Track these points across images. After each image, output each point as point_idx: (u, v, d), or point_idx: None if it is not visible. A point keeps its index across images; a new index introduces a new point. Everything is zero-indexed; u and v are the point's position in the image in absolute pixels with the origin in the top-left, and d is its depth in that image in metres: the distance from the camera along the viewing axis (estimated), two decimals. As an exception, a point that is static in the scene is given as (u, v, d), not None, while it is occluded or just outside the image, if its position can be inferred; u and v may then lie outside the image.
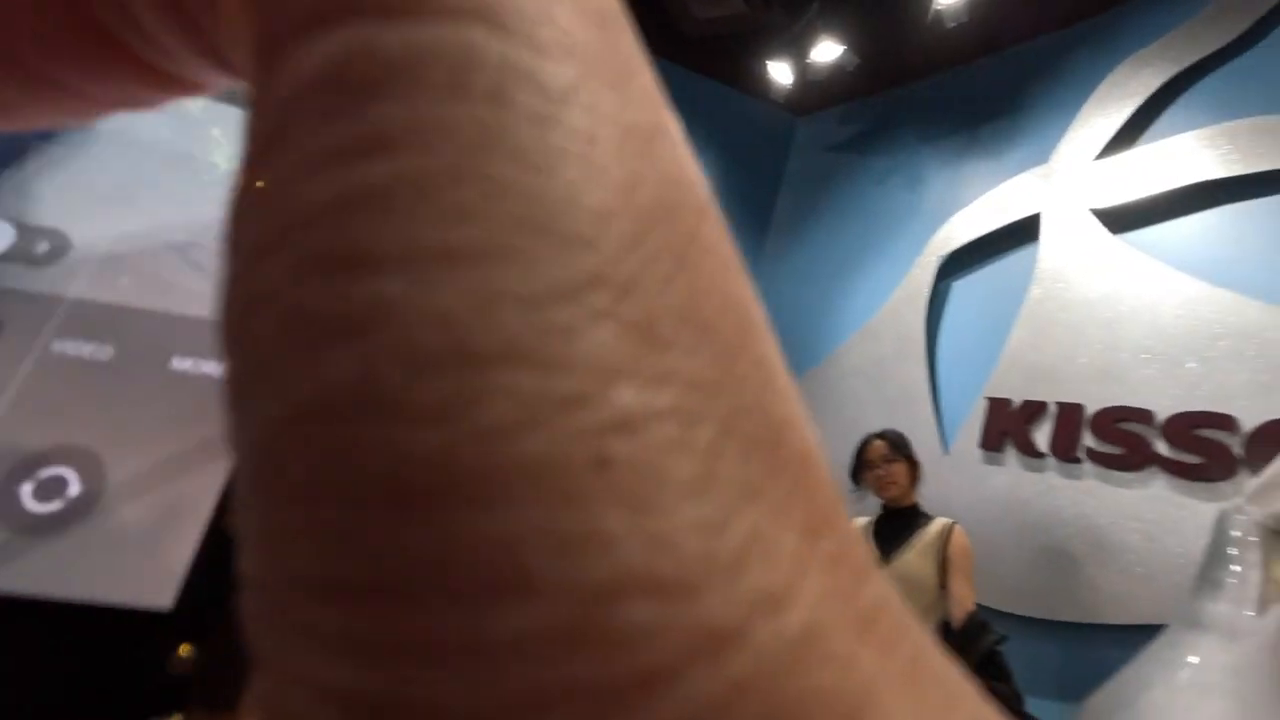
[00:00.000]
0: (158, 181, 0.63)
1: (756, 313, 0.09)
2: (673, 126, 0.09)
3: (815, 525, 0.08)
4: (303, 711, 0.07)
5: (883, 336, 2.77)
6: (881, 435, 1.82)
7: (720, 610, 0.06)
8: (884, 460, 1.77)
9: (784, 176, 3.62)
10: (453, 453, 0.06)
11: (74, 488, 0.80)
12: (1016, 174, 2.57)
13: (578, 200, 0.07)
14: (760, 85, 3.28)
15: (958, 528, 1.68)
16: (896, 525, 1.74)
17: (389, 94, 0.07)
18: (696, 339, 0.07)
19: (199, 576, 0.52)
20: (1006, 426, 2.25)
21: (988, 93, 2.83)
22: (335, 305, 0.07)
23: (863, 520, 1.82)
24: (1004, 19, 2.68)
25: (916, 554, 1.67)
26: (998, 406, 2.30)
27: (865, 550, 0.08)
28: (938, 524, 1.70)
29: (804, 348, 3.07)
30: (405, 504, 0.06)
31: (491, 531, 0.06)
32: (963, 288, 2.67)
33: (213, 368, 0.58)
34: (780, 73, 3.14)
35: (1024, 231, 2.48)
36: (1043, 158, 2.51)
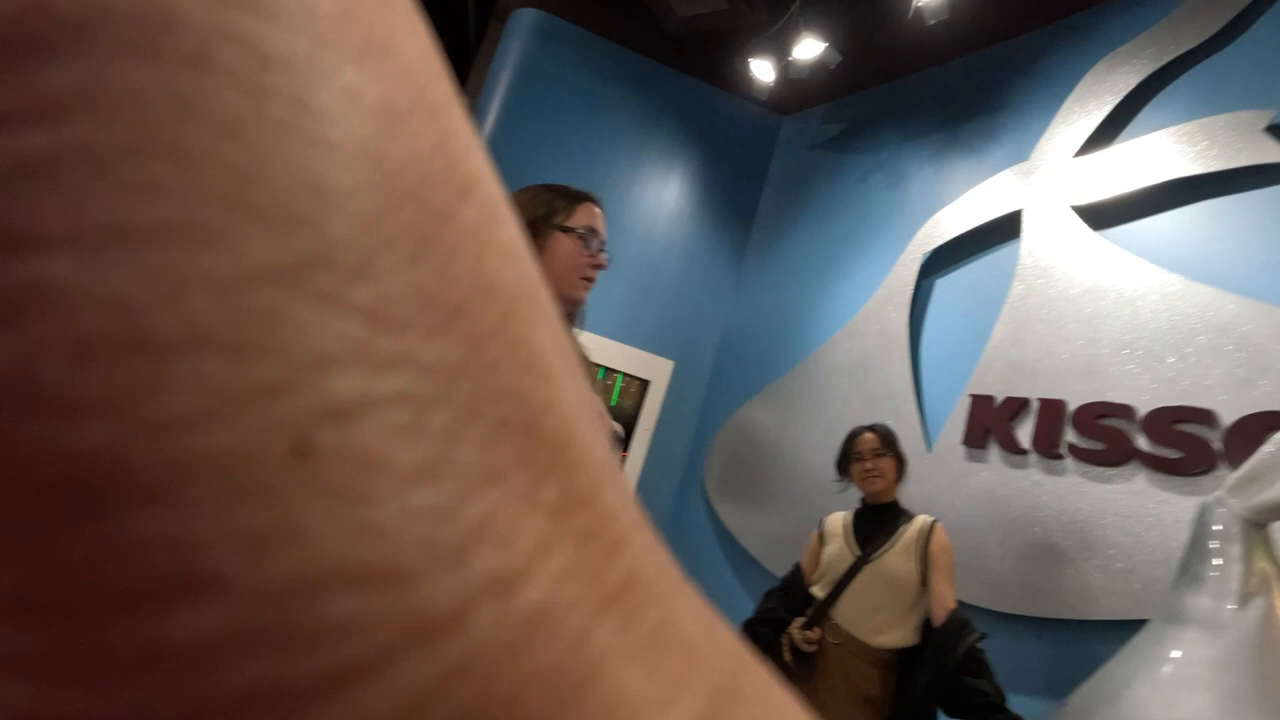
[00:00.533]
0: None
1: (529, 296, 0.08)
2: (444, 103, 0.08)
3: (569, 505, 0.08)
4: None
5: (867, 333, 2.77)
6: (872, 428, 1.81)
7: (438, 597, 0.06)
8: (873, 454, 1.76)
9: (768, 174, 3.62)
10: (123, 448, 0.06)
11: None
12: (997, 171, 2.58)
13: (298, 177, 0.07)
14: (743, 83, 3.28)
15: (938, 525, 1.67)
16: (877, 521, 1.73)
17: (63, 55, 0.06)
18: (441, 323, 0.07)
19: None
20: (989, 423, 2.25)
21: (968, 90, 2.83)
22: None
23: (841, 515, 1.80)
24: (984, 17, 2.69)
25: (898, 552, 1.65)
26: (980, 403, 2.30)
27: (632, 523, 0.08)
28: (919, 522, 1.69)
29: (788, 345, 3.07)
30: (71, 507, 0.06)
31: (167, 531, 0.06)
32: (945, 285, 2.67)
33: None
34: (763, 71, 3.13)
35: (1005, 228, 2.48)
36: (1023, 155, 2.51)
